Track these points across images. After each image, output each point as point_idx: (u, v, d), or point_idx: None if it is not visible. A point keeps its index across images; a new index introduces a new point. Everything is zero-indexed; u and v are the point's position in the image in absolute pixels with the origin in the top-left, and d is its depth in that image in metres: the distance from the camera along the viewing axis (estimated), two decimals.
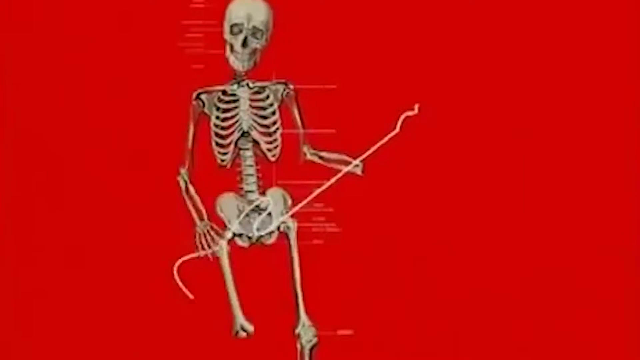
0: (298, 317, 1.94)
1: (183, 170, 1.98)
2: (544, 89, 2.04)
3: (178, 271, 1.93)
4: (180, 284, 1.93)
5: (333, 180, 1.96)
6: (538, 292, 2.01)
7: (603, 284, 2.01)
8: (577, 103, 2.04)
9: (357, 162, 1.97)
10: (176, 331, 1.96)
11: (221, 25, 1.98)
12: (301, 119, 2.01)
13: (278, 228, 1.97)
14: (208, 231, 1.95)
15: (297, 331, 1.94)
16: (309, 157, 2.00)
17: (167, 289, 1.94)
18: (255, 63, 1.99)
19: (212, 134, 1.99)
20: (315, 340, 1.94)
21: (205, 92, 1.99)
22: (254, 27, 1.97)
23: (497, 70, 2.03)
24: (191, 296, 1.93)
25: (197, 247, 1.96)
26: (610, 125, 2.03)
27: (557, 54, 2.04)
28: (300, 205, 1.96)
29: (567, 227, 2.01)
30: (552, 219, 2.02)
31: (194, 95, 1.98)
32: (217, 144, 1.98)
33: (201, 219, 1.96)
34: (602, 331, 2.01)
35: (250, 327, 1.94)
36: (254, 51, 1.98)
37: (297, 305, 1.94)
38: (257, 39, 1.98)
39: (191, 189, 1.98)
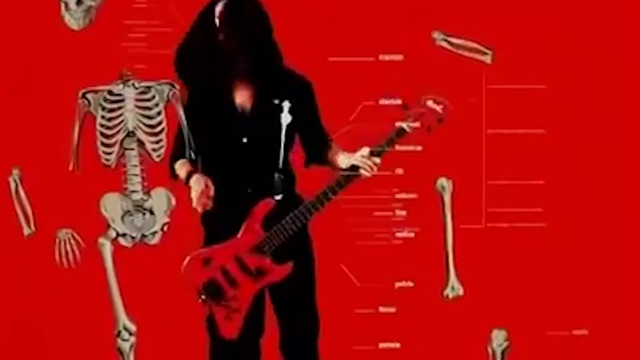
0: None
1: (15, 171, 1.99)
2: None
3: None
4: None
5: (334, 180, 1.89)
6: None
7: None
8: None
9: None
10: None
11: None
12: (186, 119, 1.98)
13: (162, 228, 1.99)
14: (69, 239, 1.97)
15: None
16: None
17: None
18: (90, 21, 1.95)
19: (97, 133, 1.98)
20: None
21: (91, 91, 1.98)
22: None
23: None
24: None
25: (58, 253, 1.99)
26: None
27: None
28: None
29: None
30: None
31: (80, 94, 1.98)
32: (102, 143, 1.98)
33: (27, 224, 1.97)
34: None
35: (132, 327, 1.98)
36: (89, 9, 1.95)
37: None
38: None
39: (21, 191, 1.99)
